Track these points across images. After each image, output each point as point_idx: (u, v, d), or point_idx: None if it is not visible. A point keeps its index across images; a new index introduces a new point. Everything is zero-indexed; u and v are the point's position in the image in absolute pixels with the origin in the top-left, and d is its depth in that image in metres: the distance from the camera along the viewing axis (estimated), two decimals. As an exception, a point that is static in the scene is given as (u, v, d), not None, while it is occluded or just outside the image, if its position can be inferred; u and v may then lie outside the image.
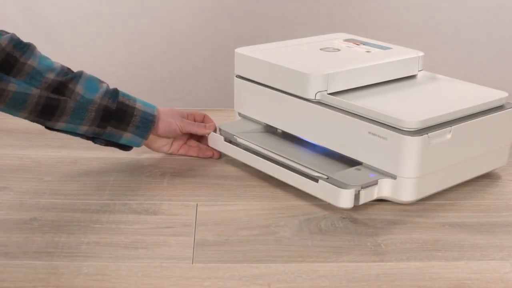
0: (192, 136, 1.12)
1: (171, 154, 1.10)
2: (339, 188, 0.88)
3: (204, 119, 1.12)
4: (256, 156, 1.01)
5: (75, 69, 1.02)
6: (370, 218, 0.91)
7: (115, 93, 1.00)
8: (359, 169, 0.94)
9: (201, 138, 1.12)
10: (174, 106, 1.48)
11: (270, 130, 1.09)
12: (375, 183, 0.92)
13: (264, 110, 1.07)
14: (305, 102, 0.99)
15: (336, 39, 1.17)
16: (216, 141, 1.08)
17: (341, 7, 1.69)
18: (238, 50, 1.09)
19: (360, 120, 0.93)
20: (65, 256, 0.79)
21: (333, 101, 0.96)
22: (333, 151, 0.98)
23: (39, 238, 0.83)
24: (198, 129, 1.09)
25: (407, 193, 0.92)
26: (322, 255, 0.81)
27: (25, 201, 0.93)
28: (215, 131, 1.10)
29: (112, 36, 1.67)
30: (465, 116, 0.95)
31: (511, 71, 1.76)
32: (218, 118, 1.13)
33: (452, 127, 0.93)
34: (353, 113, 0.94)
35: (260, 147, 1.03)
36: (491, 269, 0.80)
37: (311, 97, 0.98)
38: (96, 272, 0.76)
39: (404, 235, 0.87)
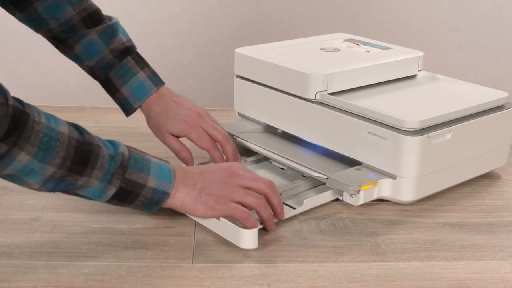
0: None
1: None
2: (240, 228, 0.81)
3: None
4: None
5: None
6: (370, 218, 0.91)
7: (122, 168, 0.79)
8: (359, 169, 0.94)
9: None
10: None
11: (270, 130, 1.09)
12: (375, 183, 0.92)
13: (264, 110, 1.07)
14: (305, 102, 0.99)
15: (336, 39, 1.17)
16: None
17: (341, 7, 1.69)
18: (238, 50, 1.09)
19: (360, 120, 0.93)
20: (65, 256, 0.79)
21: (333, 101, 0.96)
22: (333, 151, 0.98)
23: (39, 238, 0.83)
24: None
25: (407, 193, 0.92)
26: (322, 255, 0.81)
27: (25, 201, 0.93)
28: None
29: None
30: (465, 116, 0.95)
31: (511, 71, 1.76)
32: (218, 118, 1.12)
33: (452, 127, 0.93)
34: (353, 113, 0.94)
35: (260, 147, 1.03)
36: (491, 269, 0.80)
37: (311, 97, 0.98)
38: (96, 272, 0.76)
39: (404, 235, 0.87)
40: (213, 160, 0.99)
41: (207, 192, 0.83)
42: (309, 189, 0.97)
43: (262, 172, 1.02)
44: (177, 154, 0.99)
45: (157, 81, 1.01)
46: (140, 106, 1.01)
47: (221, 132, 1.00)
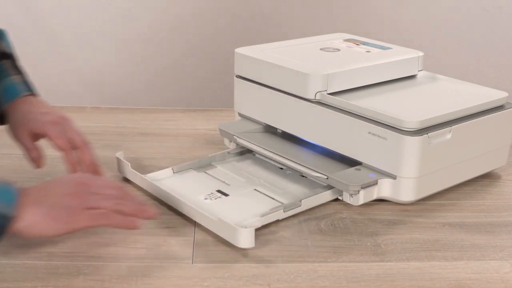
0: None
1: None
2: (238, 227, 0.80)
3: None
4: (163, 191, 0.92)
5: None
6: (370, 218, 0.91)
7: None
8: (359, 169, 0.94)
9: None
10: (174, 106, 1.48)
11: (270, 130, 1.09)
12: (375, 183, 0.92)
13: (264, 110, 1.07)
14: (305, 102, 0.99)
15: (336, 39, 1.17)
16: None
17: (341, 7, 1.69)
18: (238, 50, 1.09)
19: (360, 120, 0.93)
20: (65, 256, 0.79)
21: (333, 101, 0.96)
22: (333, 151, 0.98)
23: (39, 238, 0.83)
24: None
25: (407, 193, 0.92)
26: (322, 255, 0.81)
27: (25, 201, 0.93)
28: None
29: (112, 36, 1.67)
30: (465, 116, 0.95)
31: (511, 71, 1.76)
32: (218, 118, 1.13)
33: (452, 127, 0.93)
34: (353, 113, 0.94)
35: (260, 147, 1.03)
36: (491, 269, 0.80)
37: (311, 97, 0.98)
38: (96, 272, 0.76)
39: (404, 235, 0.87)
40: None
41: (58, 207, 0.75)
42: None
43: (246, 164, 1.03)
44: (28, 152, 0.94)
45: (32, 90, 0.99)
46: (9, 107, 0.97)
47: (81, 137, 0.92)
